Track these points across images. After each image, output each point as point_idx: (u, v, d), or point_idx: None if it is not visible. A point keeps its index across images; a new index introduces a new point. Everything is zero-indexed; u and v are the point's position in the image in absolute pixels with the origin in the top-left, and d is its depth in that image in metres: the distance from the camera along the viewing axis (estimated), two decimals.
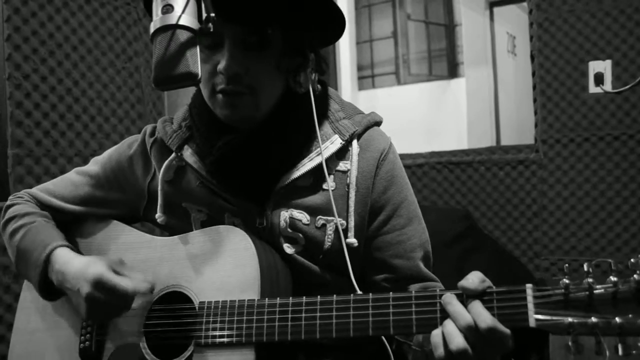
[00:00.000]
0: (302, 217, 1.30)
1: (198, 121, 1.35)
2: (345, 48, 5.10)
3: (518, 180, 3.04)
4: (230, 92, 1.22)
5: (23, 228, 1.38)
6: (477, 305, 0.99)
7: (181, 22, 1.01)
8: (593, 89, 2.84)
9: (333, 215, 1.30)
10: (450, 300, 1.02)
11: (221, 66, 1.19)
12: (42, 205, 1.45)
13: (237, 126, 1.30)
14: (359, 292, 1.23)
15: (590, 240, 2.88)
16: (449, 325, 1.00)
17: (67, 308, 1.35)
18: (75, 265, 1.25)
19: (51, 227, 1.39)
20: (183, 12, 1.01)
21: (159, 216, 1.38)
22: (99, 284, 1.19)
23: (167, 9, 1.01)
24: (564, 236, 2.93)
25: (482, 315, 0.98)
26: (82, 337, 1.32)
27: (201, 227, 1.35)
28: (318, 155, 1.30)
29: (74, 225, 1.46)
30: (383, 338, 1.26)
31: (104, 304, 1.21)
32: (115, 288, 1.19)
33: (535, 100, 2.99)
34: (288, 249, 1.31)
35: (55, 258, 1.28)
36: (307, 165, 1.30)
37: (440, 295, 1.04)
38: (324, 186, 1.31)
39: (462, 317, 0.99)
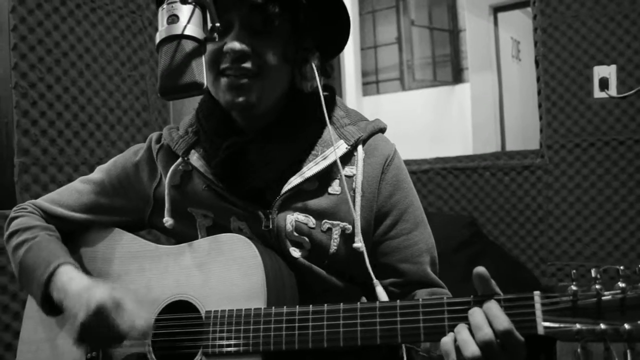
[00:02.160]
0: (308, 220, 1.31)
1: (205, 124, 1.36)
2: (349, 54, 5.12)
3: (523, 186, 3.04)
4: (235, 71, 1.23)
5: (26, 243, 1.37)
6: (494, 308, 0.99)
7: (186, 32, 1.02)
8: (598, 94, 2.84)
9: (339, 220, 1.31)
10: (474, 312, 1.00)
11: (228, 46, 1.21)
12: (47, 215, 1.45)
13: (241, 125, 1.32)
14: (382, 291, 1.23)
15: (596, 246, 2.87)
16: (463, 332, 1.00)
17: None
18: (77, 286, 1.23)
19: (54, 242, 1.38)
20: (188, 22, 1.02)
21: (166, 220, 1.38)
22: (98, 316, 1.16)
23: (173, 19, 1.02)
24: (570, 242, 2.93)
25: (499, 319, 0.97)
26: (89, 347, 1.32)
27: (206, 233, 1.35)
28: (324, 159, 1.31)
29: (78, 235, 1.46)
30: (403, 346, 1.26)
31: (96, 335, 1.19)
32: (111, 325, 1.17)
33: (540, 106, 2.99)
34: (294, 252, 1.31)
35: (59, 276, 1.27)
36: (312, 169, 1.31)
37: (448, 303, 1.04)
38: (330, 190, 1.32)
39: (481, 331, 0.97)
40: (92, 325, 1.17)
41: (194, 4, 1.04)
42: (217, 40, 1.08)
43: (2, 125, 2.18)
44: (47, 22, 2.26)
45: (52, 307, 1.30)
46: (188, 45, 1.03)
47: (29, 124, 2.20)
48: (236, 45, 1.21)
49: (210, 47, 1.22)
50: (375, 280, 1.24)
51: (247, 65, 1.23)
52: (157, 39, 1.05)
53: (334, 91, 1.41)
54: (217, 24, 1.06)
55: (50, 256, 1.32)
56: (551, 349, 2.30)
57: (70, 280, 1.26)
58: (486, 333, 0.97)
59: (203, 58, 1.05)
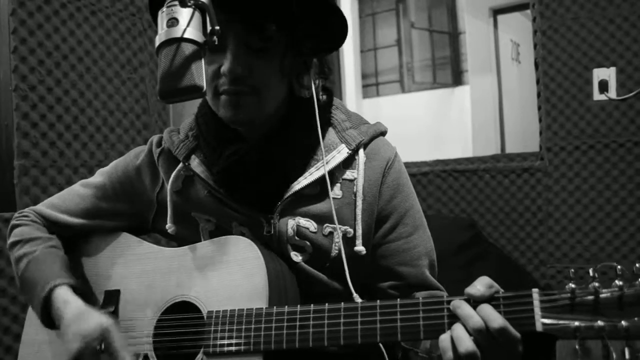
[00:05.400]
0: (310, 225, 1.31)
1: (205, 131, 1.35)
2: (349, 56, 5.12)
3: (523, 188, 3.04)
4: (233, 92, 1.22)
5: (26, 257, 1.37)
6: (486, 308, 1.00)
7: (186, 36, 1.02)
8: (597, 96, 2.84)
9: (341, 224, 1.30)
10: (460, 304, 1.02)
11: (225, 68, 1.20)
12: (49, 222, 1.45)
13: (242, 132, 1.31)
14: (356, 295, 1.24)
15: (596, 248, 2.87)
16: (457, 328, 1.00)
17: None
18: (69, 313, 1.25)
19: (53, 258, 1.37)
20: (188, 25, 1.02)
21: (169, 226, 1.38)
22: (83, 350, 1.19)
23: (172, 22, 1.02)
24: (570, 244, 2.93)
25: (492, 316, 0.98)
26: None
27: (210, 237, 1.35)
28: (325, 163, 1.31)
29: (82, 240, 1.47)
30: (381, 345, 1.26)
31: None
32: (98, 357, 1.20)
33: (539, 108, 2.99)
34: (295, 257, 1.31)
35: (54, 298, 1.28)
36: (314, 174, 1.30)
37: (448, 301, 1.04)
38: (331, 194, 1.32)
39: (472, 319, 0.99)
40: (79, 358, 1.20)
41: (193, 7, 1.03)
42: (216, 43, 1.07)
43: (2, 128, 2.19)
44: (47, 24, 2.26)
45: (52, 322, 1.30)
46: (188, 49, 1.02)
47: (29, 126, 2.21)
48: (233, 68, 1.20)
49: (206, 66, 1.20)
50: (355, 295, 1.25)
51: (245, 87, 1.22)
52: (157, 42, 1.04)
53: (331, 94, 1.41)
54: (217, 27, 1.05)
55: (47, 275, 1.31)
56: (551, 350, 2.30)
57: (64, 306, 1.26)
58: (477, 321, 0.98)
59: (203, 61, 1.05)
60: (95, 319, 1.23)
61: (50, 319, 1.30)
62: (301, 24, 1.25)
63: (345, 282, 1.32)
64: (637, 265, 0.93)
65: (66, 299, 1.27)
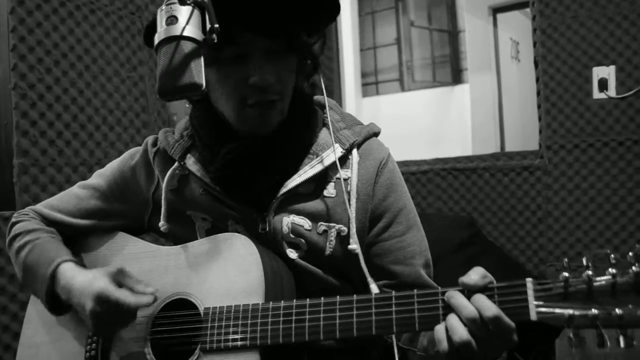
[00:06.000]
0: (304, 222, 1.32)
1: (200, 130, 1.36)
2: (349, 55, 5.11)
3: (523, 187, 3.04)
4: (266, 102, 1.24)
5: (29, 244, 1.39)
6: (480, 297, 1.00)
7: (185, 33, 1.02)
8: (597, 94, 2.84)
9: (334, 222, 1.32)
10: (454, 295, 1.03)
11: (255, 79, 1.20)
12: (48, 221, 1.47)
13: (244, 135, 1.32)
14: (376, 290, 1.24)
15: (595, 246, 2.87)
16: (452, 318, 1.01)
17: (73, 320, 1.36)
18: (79, 281, 1.26)
19: (56, 242, 1.40)
20: (187, 23, 1.02)
21: (162, 225, 1.39)
22: (102, 300, 1.20)
23: (172, 20, 1.02)
24: (569, 242, 2.93)
25: (486, 305, 0.99)
26: (88, 347, 1.32)
27: (206, 235, 1.36)
28: (320, 162, 1.32)
29: (79, 239, 1.47)
30: (393, 337, 1.26)
31: (108, 318, 1.22)
32: (117, 303, 1.20)
33: (539, 106, 2.99)
34: (291, 253, 1.33)
35: (61, 273, 1.30)
36: (309, 172, 1.32)
37: (442, 293, 1.05)
38: (325, 193, 1.33)
39: (466, 309, 1.00)
40: (99, 312, 1.21)
41: (192, 5, 1.04)
42: (215, 40, 1.07)
43: (1, 126, 2.19)
44: (46, 23, 2.26)
45: (57, 305, 1.31)
46: (187, 47, 1.02)
47: (28, 125, 2.20)
48: (264, 78, 1.20)
49: (229, 78, 1.22)
50: (369, 279, 1.25)
51: (275, 94, 1.24)
52: (156, 40, 1.04)
53: (314, 90, 1.42)
54: (216, 25, 1.05)
55: (52, 254, 1.34)
56: (550, 348, 2.30)
57: (73, 278, 1.28)
58: (471, 310, 0.99)
59: (202, 59, 1.05)
60: (105, 272, 1.26)
61: (54, 301, 1.31)
62: (311, 22, 1.27)
63: (341, 278, 1.34)
64: (630, 253, 0.94)
65: (73, 273, 1.29)
